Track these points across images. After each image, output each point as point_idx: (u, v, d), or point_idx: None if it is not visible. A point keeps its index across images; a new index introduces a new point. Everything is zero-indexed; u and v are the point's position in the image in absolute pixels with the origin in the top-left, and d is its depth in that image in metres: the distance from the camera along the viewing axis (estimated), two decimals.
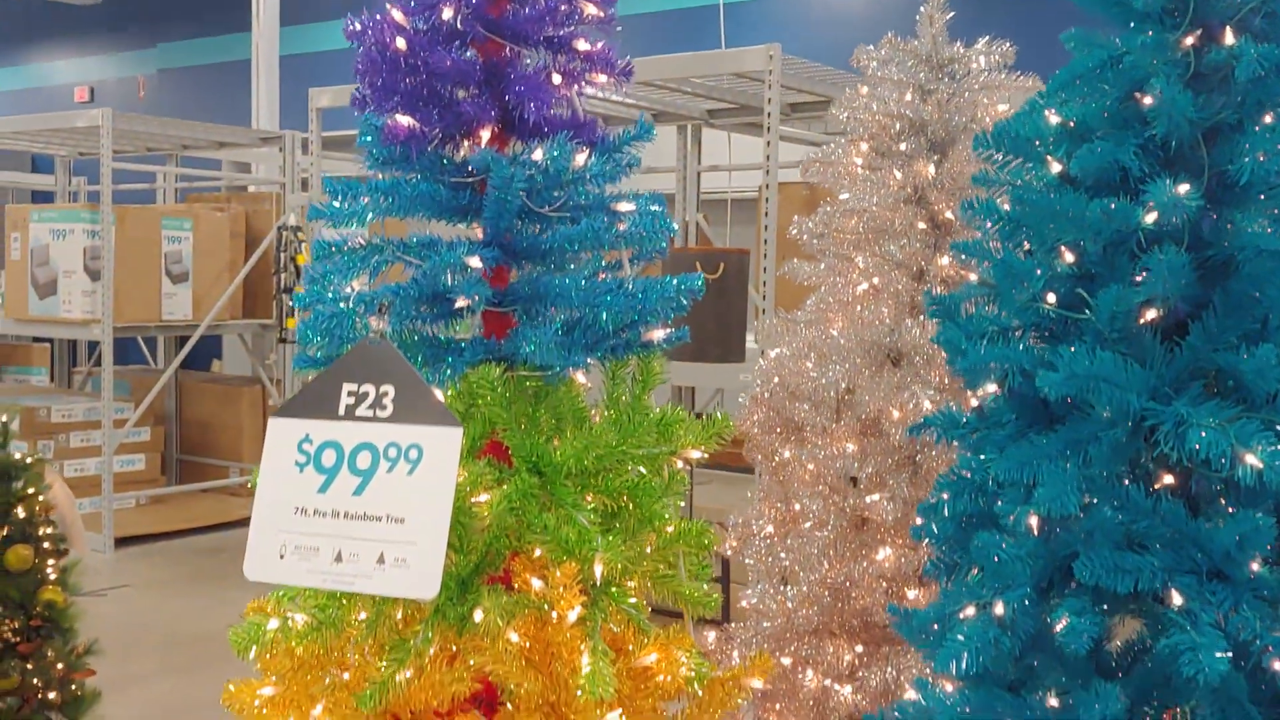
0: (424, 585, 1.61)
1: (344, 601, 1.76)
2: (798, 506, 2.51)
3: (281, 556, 1.67)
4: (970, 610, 1.50)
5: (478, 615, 1.70)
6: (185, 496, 10.11)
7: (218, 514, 9.89)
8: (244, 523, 10.53)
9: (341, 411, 1.68)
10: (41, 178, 11.09)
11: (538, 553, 1.84)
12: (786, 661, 2.49)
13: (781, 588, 2.54)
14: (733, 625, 2.58)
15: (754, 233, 6.81)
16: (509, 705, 1.83)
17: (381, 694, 1.69)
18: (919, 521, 1.64)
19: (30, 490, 4.56)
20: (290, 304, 7.60)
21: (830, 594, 2.46)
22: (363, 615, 1.83)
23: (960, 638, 1.45)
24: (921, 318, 2.39)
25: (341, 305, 1.76)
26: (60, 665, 4.62)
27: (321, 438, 1.68)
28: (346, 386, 1.69)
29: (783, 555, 2.47)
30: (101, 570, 7.11)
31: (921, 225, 2.42)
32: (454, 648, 1.81)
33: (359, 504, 1.65)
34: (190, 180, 10.58)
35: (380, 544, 1.63)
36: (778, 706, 2.52)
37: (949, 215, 2.45)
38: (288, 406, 1.72)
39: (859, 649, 2.40)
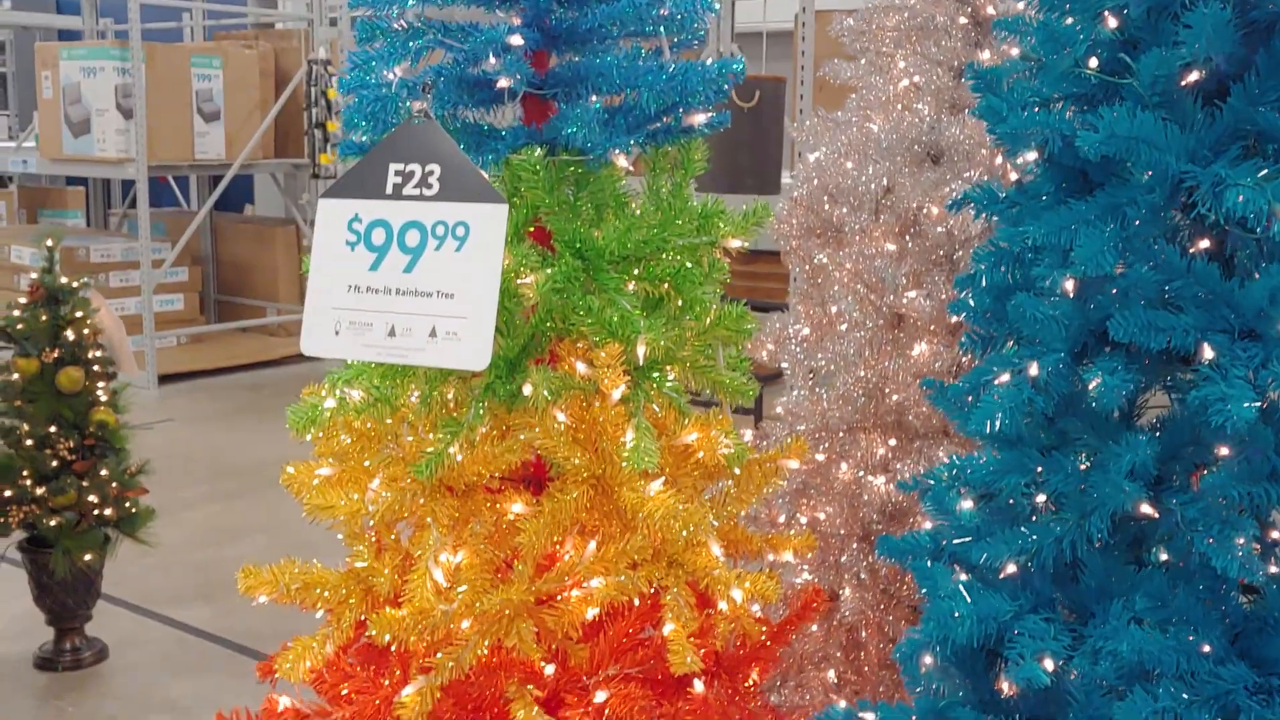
0: (475, 357, 1.67)
1: (398, 380, 1.82)
2: (834, 309, 2.55)
3: (336, 333, 1.73)
4: (1005, 376, 1.55)
5: (526, 389, 1.76)
6: (224, 336, 10.26)
7: (257, 352, 10.04)
8: (282, 361, 10.76)
9: (389, 190, 1.72)
10: (68, 19, 10.98)
11: (581, 345, 1.89)
12: (820, 457, 2.56)
13: (817, 390, 2.59)
14: (766, 424, 2.65)
15: (789, 68, 6.69)
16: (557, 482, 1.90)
17: (437, 464, 1.77)
18: (957, 296, 1.67)
19: (78, 314, 4.66)
20: (322, 138, 7.59)
21: (865, 394, 2.52)
22: (415, 396, 1.90)
23: (995, 399, 1.50)
24: (962, 115, 2.39)
25: (385, 90, 1.78)
26: (114, 484, 4.79)
27: (370, 216, 1.72)
28: (393, 166, 1.72)
29: (819, 356, 2.52)
30: (146, 406, 7.27)
31: (963, 20, 2.40)
32: (504, 426, 1.88)
33: (409, 281, 1.70)
34: (216, 18, 10.46)
35: (431, 318, 1.69)
36: (810, 501, 2.60)
37: (990, 11, 2.42)
38: (336, 187, 1.75)
39: (892, 442, 2.46)
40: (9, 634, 5.22)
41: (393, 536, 1.99)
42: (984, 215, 1.65)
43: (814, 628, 2.65)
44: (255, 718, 2.00)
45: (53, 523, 4.63)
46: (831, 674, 2.55)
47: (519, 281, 1.79)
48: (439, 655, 1.83)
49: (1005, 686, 1.73)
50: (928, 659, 1.63)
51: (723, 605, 2.01)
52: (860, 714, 1.71)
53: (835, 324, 2.52)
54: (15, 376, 4.65)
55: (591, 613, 1.86)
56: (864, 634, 2.57)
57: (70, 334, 4.62)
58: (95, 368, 4.73)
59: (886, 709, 1.70)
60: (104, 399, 4.77)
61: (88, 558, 4.78)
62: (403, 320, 1.70)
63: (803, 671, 2.67)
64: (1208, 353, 1.38)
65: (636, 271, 1.91)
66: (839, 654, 2.61)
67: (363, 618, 1.92)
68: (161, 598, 5.67)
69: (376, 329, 1.71)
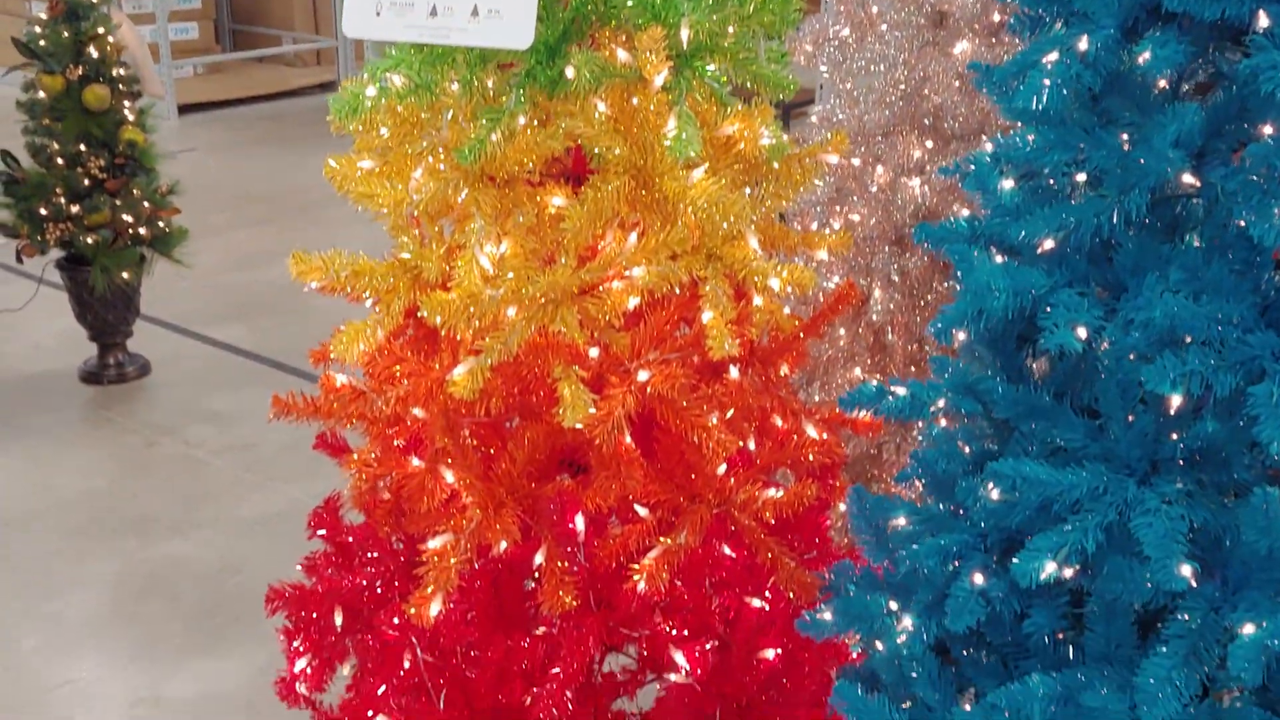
0: (518, 35, 1.67)
1: (438, 65, 1.82)
2: (875, 8, 2.50)
3: (378, 13, 1.72)
4: (1053, 55, 1.54)
5: (568, 72, 1.77)
6: (241, 66, 10.10)
7: (275, 83, 9.92)
8: (301, 92, 10.61)
9: None
10: None
11: (622, 33, 1.87)
12: (856, 161, 2.56)
13: (854, 93, 2.58)
14: (802, 126, 2.65)
15: None
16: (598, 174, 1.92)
17: (479, 149, 1.79)
18: None
19: (100, 30, 4.60)
20: None
21: (902, 97, 2.50)
22: (455, 85, 1.90)
23: (1042, 78, 1.50)
24: None
25: None
26: (147, 203, 4.85)
27: None
28: None
29: (858, 57, 2.49)
30: (168, 135, 7.23)
31: None
32: (545, 114, 1.89)
33: None
34: None
35: None
36: (844, 207, 2.63)
37: None
38: None
39: (929, 145, 2.47)
40: (54, 350, 5.39)
41: (436, 229, 2.03)
42: None
43: (841, 331, 2.72)
44: (313, 398, 2.09)
45: (89, 240, 4.71)
46: (858, 371, 2.64)
47: None
48: (487, 340, 1.89)
49: (1035, 366, 1.80)
50: (961, 335, 1.69)
51: (758, 301, 2.07)
52: (892, 388, 1.78)
53: (876, 23, 2.48)
54: (41, 95, 4.63)
55: (633, 302, 1.92)
56: (891, 335, 2.64)
57: (93, 51, 4.58)
58: (120, 86, 4.70)
59: (917, 385, 1.77)
60: (131, 118, 4.77)
61: (125, 275, 4.89)
62: (443, 0, 1.69)
63: (829, 373, 2.76)
64: (1263, 20, 1.37)
65: None
66: (866, 356, 2.69)
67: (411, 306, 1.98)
68: (198, 318, 5.82)
69: (418, 9, 1.70)
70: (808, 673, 2.20)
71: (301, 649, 2.33)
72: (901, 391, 1.78)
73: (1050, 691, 1.61)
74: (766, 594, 2.19)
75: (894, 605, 1.85)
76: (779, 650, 2.13)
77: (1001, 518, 1.68)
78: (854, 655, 2.23)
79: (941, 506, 1.88)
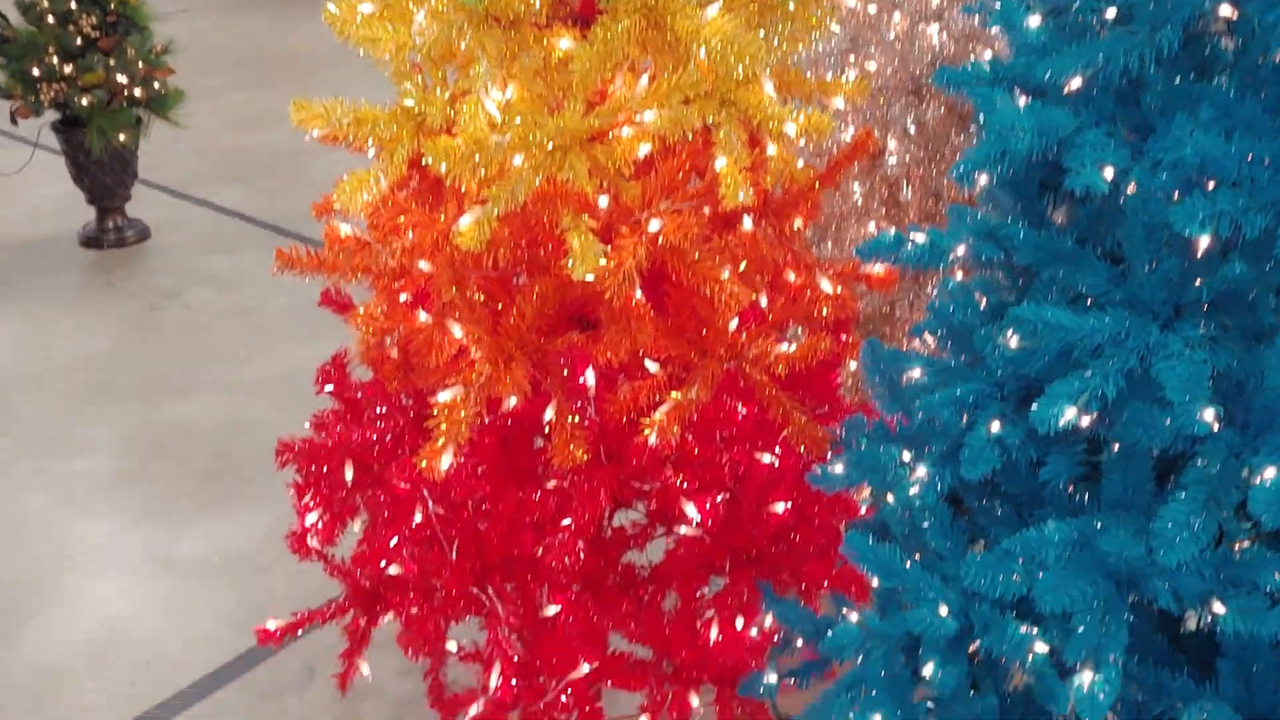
0: None
1: None
2: None
3: None
4: None
5: None
6: None
7: None
8: None
9: None
10: None
11: None
12: (873, 9, 2.48)
13: None
14: None
15: None
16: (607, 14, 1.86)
17: None
18: None
19: None
20: None
21: None
22: None
23: None
24: None
25: None
26: (141, 63, 4.74)
27: None
28: None
29: None
30: None
31: None
32: None
33: None
34: None
35: None
36: (859, 56, 2.55)
37: None
38: None
39: None
40: (53, 215, 5.34)
41: (440, 74, 1.97)
42: None
43: (855, 185, 2.67)
44: (316, 251, 2.06)
45: (84, 102, 4.62)
46: (872, 226, 2.60)
47: None
48: (493, 189, 1.85)
49: (1057, 214, 1.76)
50: (983, 178, 1.64)
51: (772, 150, 2.02)
52: (911, 235, 1.74)
53: None
54: None
55: (643, 149, 1.86)
56: (906, 190, 2.59)
57: None
58: None
59: (936, 232, 1.73)
60: None
61: (122, 138, 4.81)
62: None
63: (841, 230, 2.71)
64: None
65: None
66: (880, 210, 2.64)
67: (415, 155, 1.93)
68: (197, 181, 5.75)
69: None
70: (817, 526, 2.20)
71: (312, 503, 2.34)
72: (920, 239, 1.74)
73: (1065, 537, 1.60)
74: (776, 449, 2.19)
75: (907, 456, 1.84)
76: (788, 504, 2.13)
77: (1020, 365, 1.65)
78: (863, 510, 2.24)
79: (958, 358, 1.85)
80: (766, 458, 2.16)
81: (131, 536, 3.40)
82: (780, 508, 2.14)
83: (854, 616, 1.82)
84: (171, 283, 4.88)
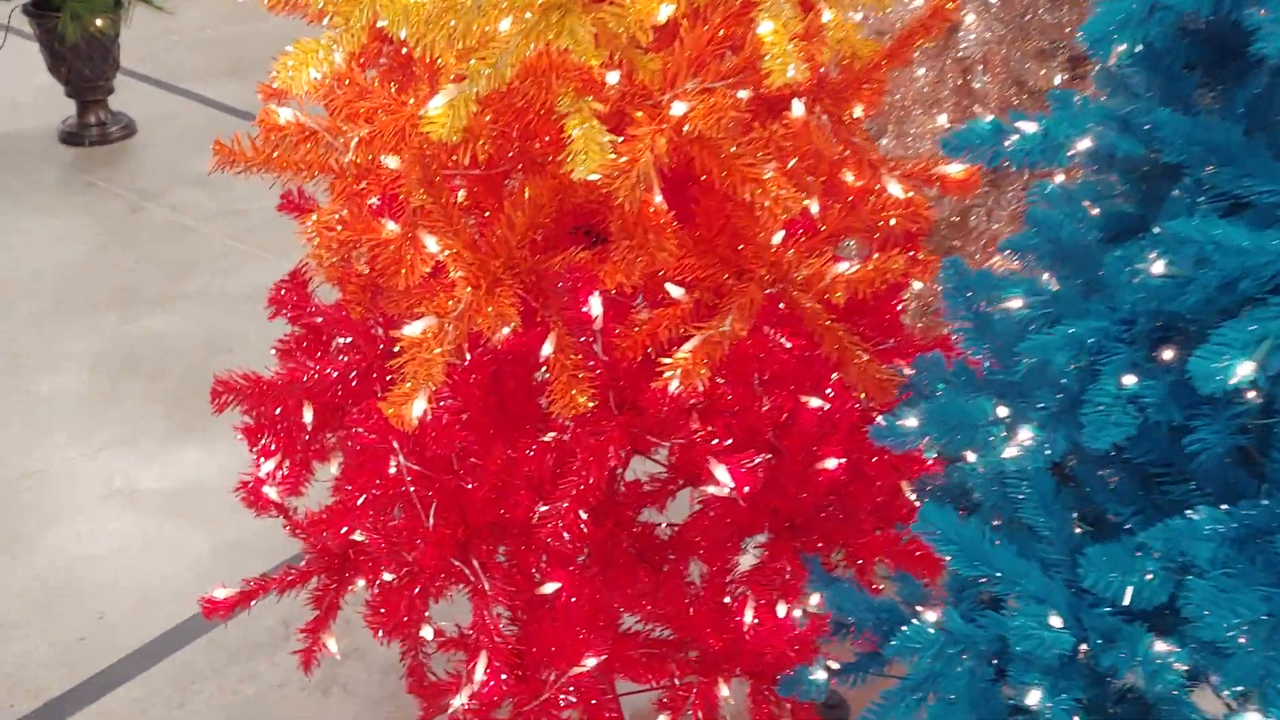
0: None
1: None
2: None
3: None
4: None
5: None
6: None
7: None
8: None
9: None
10: None
11: None
12: None
13: None
14: None
15: None
16: None
17: None
18: None
19: None
20: None
21: None
22: None
23: None
24: None
25: None
26: None
27: None
28: None
29: None
30: None
31: None
32: None
33: None
34: None
35: None
36: None
37: None
38: None
39: None
40: (31, 108, 4.93)
41: None
42: None
43: (920, 70, 2.23)
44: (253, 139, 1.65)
45: None
46: (942, 119, 2.16)
47: None
48: (472, 62, 1.43)
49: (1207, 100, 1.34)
50: (1120, 46, 1.22)
51: (828, 15, 1.58)
52: (1016, 125, 1.32)
53: None
54: None
55: (665, 11, 1.43)
56: (984, 75, 2.15)
57: None
58: None
59: (1051, 120, 1.31)
60: None
61: (99, 23, 4.37)
62: None
63: (902, 122, 2.28)
64: None
65: None
66: (950, 100, 2.20)
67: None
68: (188, 74, 5.31)
69: None
70: (876, 486, 1.81)
71: (272, 447, 1.96)
72: (1031, 128, 1.32)
73: (1222, 529, 1.21)
74: (828, 392, 1.79)
75: (1003, 412, 1.43)
76: (841, 460, 1.74)
77: (1163, 299, 1.25)
78: (928, 463, 1.85)
79: (1069, 286, 1.44)
80: (814, 402, 1.76)
81: (94, 466, 3.05)
82: (832, 464, 1.74)
83: (930, 615, 1.44)
84: (157, 183, 4.48)
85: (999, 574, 1.40)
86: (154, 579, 2.70)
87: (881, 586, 1.85)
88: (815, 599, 1.80)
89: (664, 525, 1.87)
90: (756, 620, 1.72)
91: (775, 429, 1.72)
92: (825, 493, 1.74)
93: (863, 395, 1.68)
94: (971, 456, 1.66)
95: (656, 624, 1.77)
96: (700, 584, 1.81)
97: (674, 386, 1.50)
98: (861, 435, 1.80)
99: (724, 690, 1.80)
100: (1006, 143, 1.32)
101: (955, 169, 1.82)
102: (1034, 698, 1.31)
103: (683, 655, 1.80)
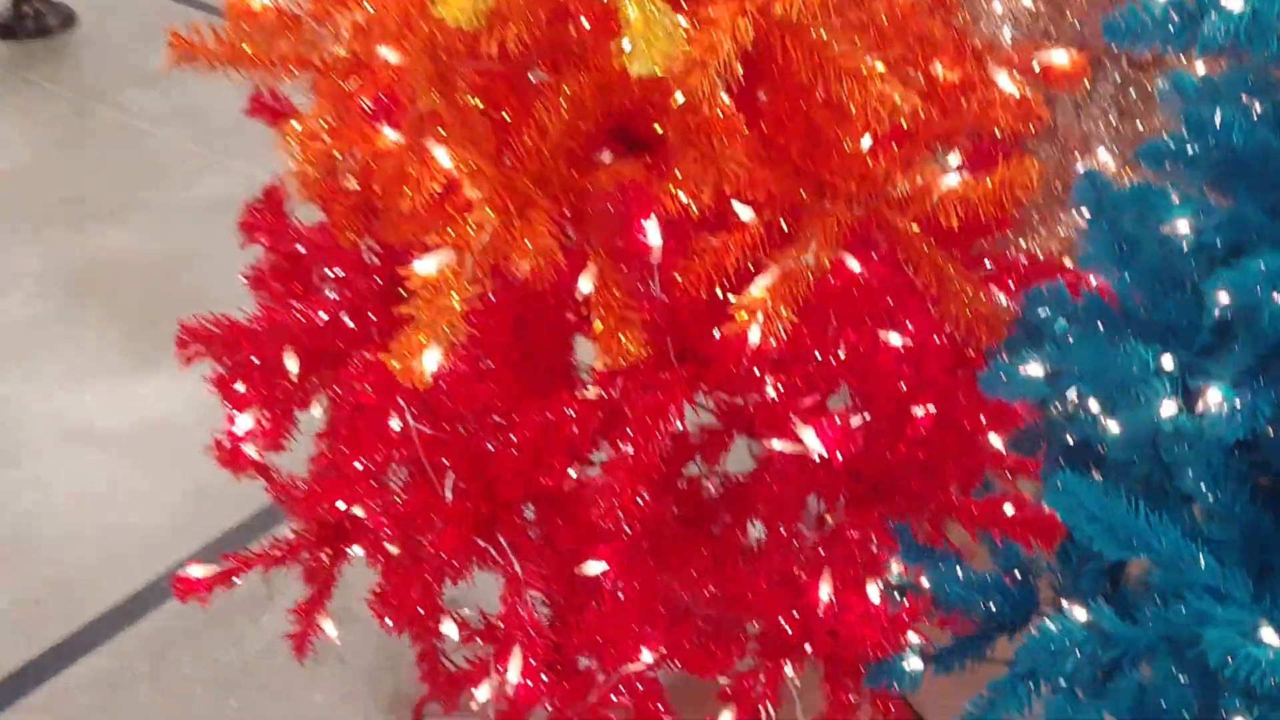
0: None
1: None
2: None
3: None
4: None
5: None
6: None
7: None
8: None
9: None
10: None
11: None
12: None
13: None
14: None
15: None
16: None
17: None
18: None
19: None
20: None
21: None
22: None
23: None
24: None
25: None
26: None
27: None
28: None
29: None
30: None
31: None
32: None
33: None
34: None
35: None
36: None
37: None
38: None
39: None
40: None
41: None
42: None
43: None
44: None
45: None
46: None
47: None
48: None
49: None
50: None
51: None
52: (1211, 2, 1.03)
53: None
54: None
55: None
56: None
57: None
58: None
59: None
60: None
61: None
62: None
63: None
64: None
65: None
66: None
67: None
68: None
69: None
70: (967, 436, 1.54)
71: (248, 396, 1.67)
72: (1235, 6, 1.02)
73: None
74: (908, 325, 1.51)
75: (1168, 363, 1.16)
76: (931, 410, 1.47)
77: None
78: (1018, 414, 1.57)
79: (1249, 205, 1.16)
80: (894, 339, 1.48)
81: (45, 403, 2.74)
82: (919, 412, 1.47)
83: (1079, 613, 1.17)
84: (104, 81, 4.09)
85: (1164, 561, 1.14)
86: (119, 532, 2.42)
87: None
88: (895, 573, 1.54)
89: (711, 481, 1.60)
90: (833, 598, 1.45)
91: (854, 375, 1.44)
92: (913, 450, 1.47)
93: (965, 333, 1.40)
94: (1095, 406, 1.40)
95: (717, 604, 1.51)
96: (758, 550, 1.55)
97: (754, 335, 1.21)
98: (951, 380, 1.53)
99: (790, 673, 1.55)
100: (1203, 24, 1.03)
101: (1061, 57, 1.51)
102: None
103: (743, 637, 1.54)
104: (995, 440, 1.59)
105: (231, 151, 3.64)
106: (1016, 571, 1.47)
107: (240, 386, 1.65)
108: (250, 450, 1.67)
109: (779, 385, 1.32)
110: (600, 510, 1.27)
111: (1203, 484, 1.19)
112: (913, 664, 1.44)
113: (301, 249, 1.58)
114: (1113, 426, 1.42)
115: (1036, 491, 1.53)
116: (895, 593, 1.45)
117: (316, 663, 2.13)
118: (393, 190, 1.33)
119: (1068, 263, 1.65)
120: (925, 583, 1.43)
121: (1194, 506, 1.23)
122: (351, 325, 1.50)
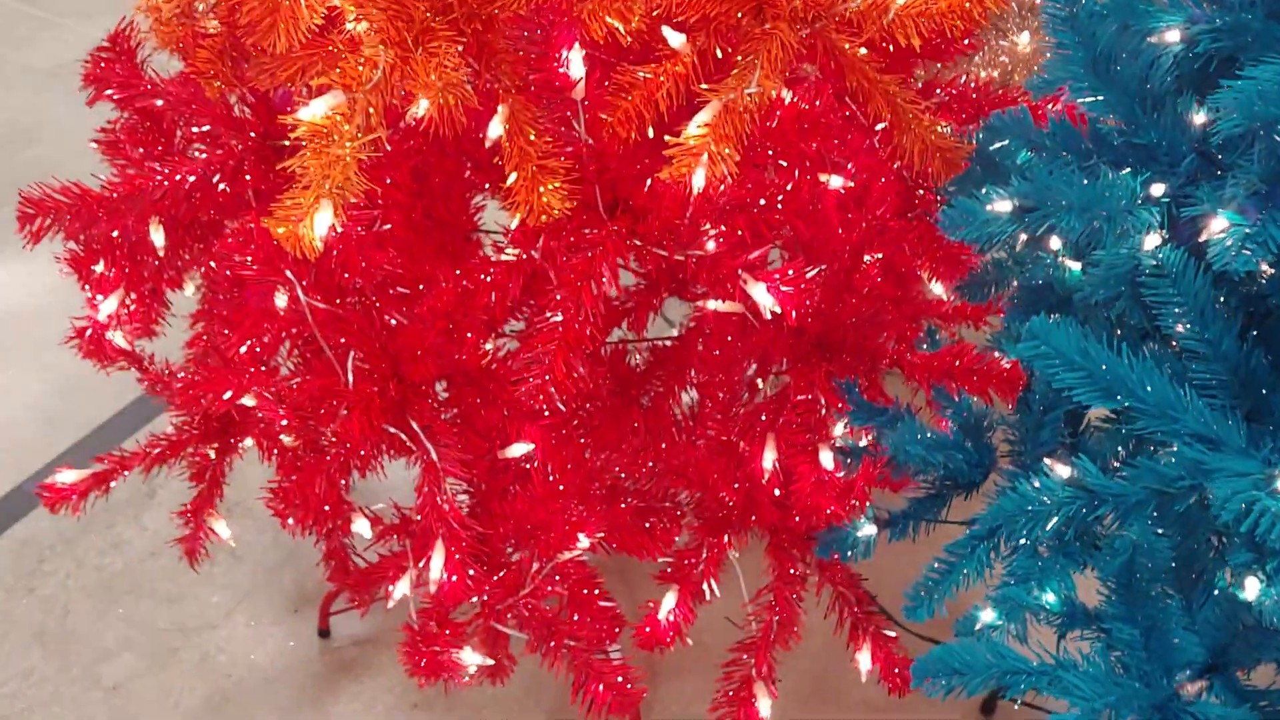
0: None
1: None
2: None
3: None
4: None
5: None
6: None
7: None
8: None
9: None
10: None
11: None
12: None
13: None
14: None
15: None
16: None
17: None
18: None
19: None
20: None
21: None
22: None
23: None
24: None
25: None
26: None
27: None
28: None
29: None
30: None
31: None
32: None
33: None
34: None
35: None
36: None
37: None
38: None
39: None
40: None
41: None
42: None
43: None
44: None
45: None
46: None
47: None
48: None
49: None
50: None
51: None
52: None
53: None
54: None
55: None
56: None
57: None
58: None
59: None
60: None
61: None
62: None
63: None
64: None
65: None
66: None
67: None
68: None
69: None
70: (913, 289, 1.42)
71: (110, 277, 1.46)
72: None
73: None
74: (849, 167, 1.37)
75: (1157, 189, 1.04)
76: (878, 256, 1.34)
77: None
78: (968, 259, 1.46)
79: (1246, 8, 1.03)
80: (835, 180, 1.34)
81: None
82: (865, 260, 1.34)
83: (1061, 470, 1.07)
84: None
85: (1152, 408, 1.04)
86: None
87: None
88: (840, 434, 1.43)
89: (635, 346, 1.47)
90: (781, 469, 1.34)
91: (799, 222, 1.30)
92: (861, 302, 1.35)
93: (918, 167, 1.26)
94: (1056, 244, 1.30)
95: (652, 477, 1.38)
96: (692, 416, 1.42)
97: (698, 180, 1.06)
98: (901, 225, 1.40)
99: (732, 555, 1.44)
100: None
101: None
102: (1251, 589, 0.97)
103: (680, 512, 1.42)
104: (937, 287, 1.48)
105: (69, 10, 3.32)
106: (973, 426, 1.37)
107: (100, 267, 1.45)
108: (118, 338, 1.48)
109: (720, 238, 1.18)
110: (529, 387, 1.12)
111: (1188, 322, 1.09)
112: (866, 530, 1.33)
113: (160, 104, 1.37)
114: (1074, 266, 1.31)
115: (985, 342, 1.42)
116: (847, 457, 1.33)
117: (210, 563, 1.98)
118: (264, 28, 1.13)
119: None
120: (874, 444, 1.32)
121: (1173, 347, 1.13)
122: (225, 189, 1.30)
